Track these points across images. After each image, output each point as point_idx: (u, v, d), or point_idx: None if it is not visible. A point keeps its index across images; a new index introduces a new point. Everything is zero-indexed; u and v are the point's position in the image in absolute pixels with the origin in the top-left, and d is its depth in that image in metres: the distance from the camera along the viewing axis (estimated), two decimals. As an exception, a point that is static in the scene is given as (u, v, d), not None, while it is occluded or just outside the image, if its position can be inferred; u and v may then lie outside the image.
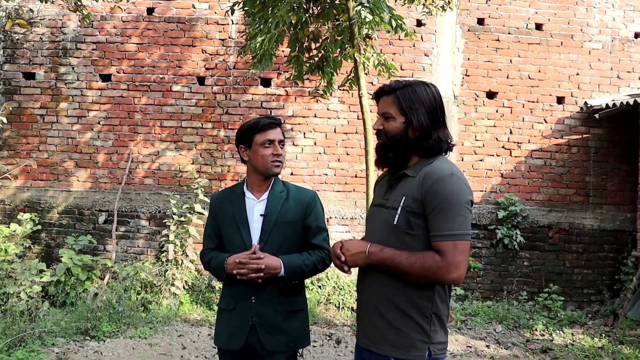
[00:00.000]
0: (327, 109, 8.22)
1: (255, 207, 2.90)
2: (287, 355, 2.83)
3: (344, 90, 7.22)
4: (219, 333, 2.96)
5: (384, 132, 2.45)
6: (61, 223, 8.17)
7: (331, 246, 2.49)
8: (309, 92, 7.44)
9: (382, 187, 2.57)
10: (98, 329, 6.11)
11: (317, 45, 6.37)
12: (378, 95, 2.50)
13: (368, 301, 2.44)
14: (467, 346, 6.29)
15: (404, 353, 2.30)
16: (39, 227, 7.84)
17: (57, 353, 5.44)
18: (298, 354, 2.95)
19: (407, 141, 2.39)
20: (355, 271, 2.49)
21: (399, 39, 8.05)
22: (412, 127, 2.37)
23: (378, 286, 2.38)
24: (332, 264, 3.02)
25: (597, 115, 8.06)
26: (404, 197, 2.33)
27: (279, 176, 3.02)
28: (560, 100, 8.34)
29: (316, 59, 6.47)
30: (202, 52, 8.23)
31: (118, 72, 8.23)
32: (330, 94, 7.22)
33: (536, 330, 6.89)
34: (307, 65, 6.48)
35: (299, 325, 2.89)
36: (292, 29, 5.96)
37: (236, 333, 2.84)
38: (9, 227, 7.52)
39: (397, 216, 2.32)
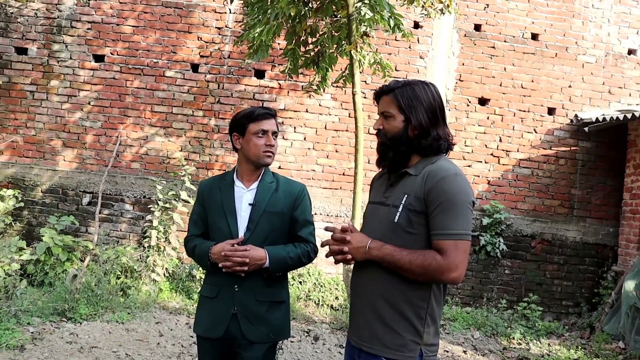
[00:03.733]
0: (319, 105, 8.20)
1: (244, 196, 2.90)
2: (267, 346, 2.82)
3: (337, 87, 7.22)
4: (200, 320, 2.94)
5: (384, 132, 2.45)
6: (44, 202, 8.10)
7: (331, 232, 2.43)
8: (303, 86, 7.43)
9: (381, 185, 2.56)
10: (75, 310, 6.05)
11: (314, 39, 6.36)
12: (378, 96, 2.50)
13: (363, 298, 2.43)
14: (445, 350, 6.31)
15: (396, 353, 2.30)
16: (22, 204, 7.75)
17: (32, 332, 5.38)
18: (277, 346, 2.94)
19: (407, 140, 2.38)
20: (340, 267, 2.47)
21: (395, 40, 8.06)
22: (412, 125, 2.37)
23: (375, 283, 2.37)
24: (315, 258, 3.03)
25: (586, 129, 8.11)
26: (405, 196, 2.33)
27: (269, 167, 3.01)
28: (551, 111, 8.38)
29: (312, 53, 6.46)
30: (198, 40, 8.18)
31: (112, 54, 8.16)
32: (324, 90, 7.20)
33: (513, 338, 6.92)
34: (303, 59, 6.48)
35: (280, 317, 2.88)
36: (290, 21, 5.95)
37: (217, 321, 2.83)
38: (-9, 202, 7.45)
39: (398, 214, 2.32)
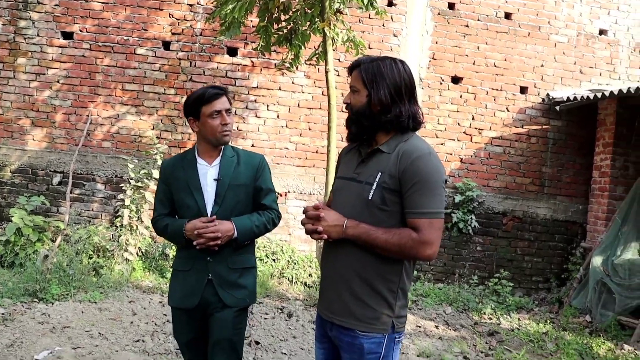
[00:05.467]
0: (292, 83, 8.16)
1: (208, 172, 2.99)
2: (237, 309, 2.94)
3: (310, 64, 7.19)
4: (173, 292, 3.04)
5: (351, 106, 2.48)
6: (13, 182, 7.96)
7: (304, 209, 2.47)
8: (275, 64, 7.39)
9: (351, 160, 2.56)
10: (47, 291, 5.99)
11: (287, 17, 6.31)
12: (350, 70, 2.53)
13: (336, 274, 2.46)
14: (417, 326, 6.39)
15: (369, 326, 2.36)
16: (-10, 184, 7.65)
17: (2, 313, 5.31)
18: (249, 310, 3.04)
19: (370, 114, 2.40)
20: (313, 244, 2.49)
21: (369, 18, 8.03)
22: (373, 100, 2.39)
23: (348, 260, 2.40)
24: (279, 224, 3.12)
25: (557, 108, 8.21)
26: (379, 173, 2.35)
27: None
28: (523, 90, 8.45)
29: (285, 30, 6.40)
30: (169, 17, 8.05)
31: (81, 31, 7.99)
32: (297, 68, 7.16)
33: (484, 313, 7.03)
34: (275, 36, 6.42)
35: (252, 281, 3.04)
36: (262, -2, 5.89)
37: (192, 291, 2.94)
38: (-42, 182, 7.31)
39: (372, 191, 2.35)
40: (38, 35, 7.97)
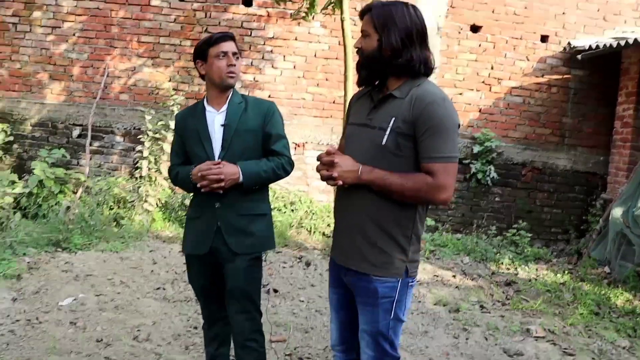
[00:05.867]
0: (309, 33, 8.07)
1: (216, 119, 2.97)
2: (250, 258, 2.92)
3: (326, 14, 7.07)
4: (186, 240, 3.06)
5: (362, 50, 2.45)
6: (34, 135, 8.05)
7: (318, 157, 2.45)
8: (291, 14, 7.28)
9: (363, 106, 2.53)
10: (70, 241, 6.11)
11: (302, -37, 6.19)
12: (361, 15, 2.49)
13: (350, 220, 2.46)
14: (434, 275, 6.42)
15: (383, 271, 2.36)
16: (11, 138, 7.73)
17: (28, 262, 5.43)
18: (262, 257, 3.03)
19: (380, 59, 2.37)
20: (332, 194, 2.49)
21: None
22: (384, 45, 2.36)
23: (363, 206, 2.40)
24: (292, 172, 3.09)
25: (579, 57, 8.02)
26: (393, 118, 2.32)
27: (237, 88, 3.05)
28: (544, 38, 8.26)
29: (300, -22, 6.30)
30: (184, -34, 7.97)
31: (95, -18, 7.95)
32: (313, 17, 7.08)
33: (502, 263, 7.04)
34: (290, -16, 6.32)
35: (262, 228, 2.99)
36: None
37: (202, 238, 2.94)
38: (-21, 137, 7.42)
39: (385, 137, 2.32)
40: (53, -12, 7.94)
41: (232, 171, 2.82)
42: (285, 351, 4.10)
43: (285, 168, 3.00)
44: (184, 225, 6.82)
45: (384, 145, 2.33)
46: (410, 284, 2.44)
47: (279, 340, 4.26)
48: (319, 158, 2.44)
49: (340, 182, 2.36)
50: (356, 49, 2.49)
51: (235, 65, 2.91)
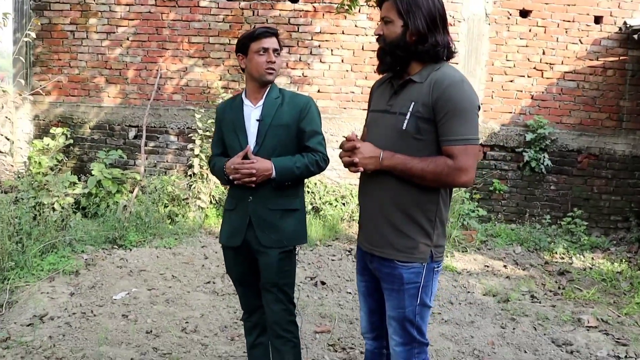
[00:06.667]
0: (355, 26, 8.07)
1: (252, 113, 3.03)
2: (281, 251, 2.97)
3: (371, 6, 7.05)
4: (223, 231, 3.15)
5: (384, 37, 2.46)
6: (93, 138, 8.37)
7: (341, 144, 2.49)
8: (336, 7, 7.31)
9: (383, 93, 2.57)
10: (125, 238, 6.36)
11: (343, -43, 6.21)
12: (381, 2, 2.50)
13: (374, 206, 2.49)
14: (485, 265, 6.35)
15: (408, 256, 2.39)
16: (72, 141, 8.07)
17: (85, 259, 5.68)
18: (295, 252, 3.08)
19: (405, 45, 2.39)
20: (351, 176, 2.51)
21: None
22: (409, 31, 2.37)
23: (386, 191, 2.43)
24: (327, 168, 3.11)
25: (636, 36, 7.73)
26: (412, 103, 2.35)
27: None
28: (597, 19, 7.99)
29: (341, -28, 6.32)
30: (230, -33, 8.11)
31: (146, -13, 8.19)
32: (359, 10, 7.11)
33: (556, 253, 6.89)
34: (332, -22, 6.35)
35: (293, 224, 3.02)
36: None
37: (236, 231, 3.02)
38: (43, 141, 7.76)
39: (406, 121, 2.35)
40: (106, -5, 8.22)
41: (265, 167, 2.87)
42: (329, 341, 4.16)
43: (319, 164, 3.03)
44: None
45: (405, 129, 2.36)
46: (436, 268, 2.45)
47: (324, 331, 4.32)
48: (341, 145, 2.48)
49: (362, 168, 2.40)
50: (376, 36, 2.51)
51: (274, 62, 2.96)
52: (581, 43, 8.02)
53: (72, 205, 6.79)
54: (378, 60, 2.52)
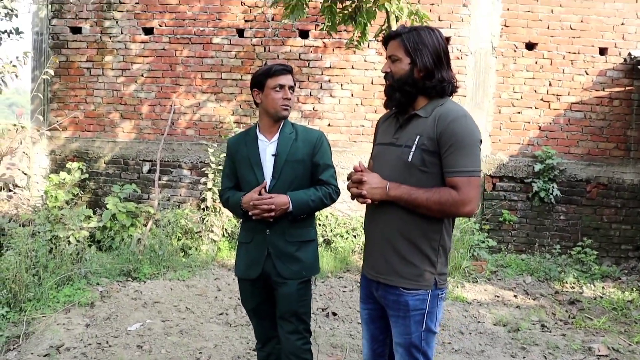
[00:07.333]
0: (365, 61, 8.25)
1: (267, 148, 3.13)
2: (299, 282, 3.07)
3: (379, 41, 7.23)
4: (239, 264, 3.23)
5: (391, 74, 2.58)
6: (107, 172, 8.53)
7: (349, 175, 2.60)
8: (345, 43, 7.48)
9: (389, 127, 2.68)
10: (140, 271, 6.46)
11: (351, -5, 6.39)
12: (386, 41, 2.64)
13: (380, 235, 2.58)
14: (495, 295, 6.38)
15: (413, 283, 2.49)
16: (87, 175, 8.26)
17: (100, 291, 5.78)
18: (312, 282, 3.18)
19: (413, 82, 2.51)
20: (362, 208, 2.61)
21: (438, -10, 7.99)
22: (417, 67, 2.50)
23: (391, 221, 2.53)
24: (338, 199, 3.21)
25: (640, 67, 7.86)
26: (418, 136, 2.46)
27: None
28: (602, 51, 8.12)
29: (349, 9, 6.49)
30: (241, 5, 8.33)
31: (160, 25, 8.42)
32: (368, 46, 7.26)
33: (566, 282, 6.90)
34: (340, 15, 6.52)
35: (310, 255, 3.14)
36: (325, -21, 6.01)
37: (253, 263, 3.11)
38: (59, 175, 7.95)
39: (411, 154, 2.46)
40: (122, 33, 8.47)
41: (282, 201, 2.97)
42: (340, 371, 4.21)
43: (332, 197, 3.16)
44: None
45: (410, 162, 2.47)
46: (440, 295, 2.53)
47: (335, 361, 4.37)
48: (349, 176, 2.59)
49: (369, 200, 2.50)
50: (384, 74, 2.63)
51: (290, 98, 3.09)
52: (587, 74, 8.14)
53: (87, 238, 6.91)
54: (386, 97, 2.63)
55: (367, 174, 2.54)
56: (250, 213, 3.00)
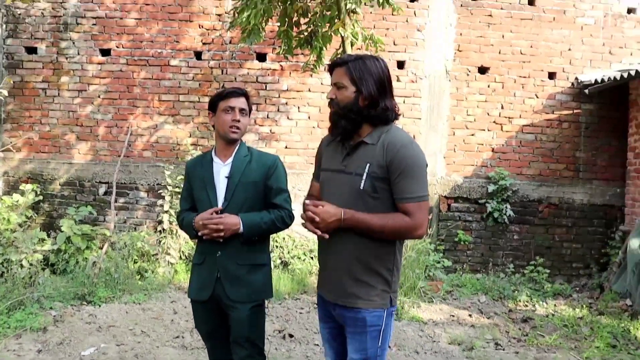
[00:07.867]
0: (321, 84, 8.35)
1: (222, 170, 3.18)
2: (251, 306, 3.08)
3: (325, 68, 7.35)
4: (191, 285, 3.25)
5: (337, 101, 2.65)
6: (63, 194, 8.42)
7: (303, 204, 2.64)
8: (302, 66, 7.58)
9: (335, 153, 2.74)
10: (94, 294, 6.36)
11: (307, 20, 6.50)
12: (332, 67, 2.71)
13: (336, 260, 2.66)
14: (450, 315, 6.48)
15: (371, 303, 2.58)
16: (41, 197, 8.11)
17: (54, 315, 5.68)
18: (264, 305, 3.20)
19: (358, 109, 2.59)
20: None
21: (392, 14, 8.11)
22: (362, 96, 2.58)
23: (347, 246, 2.60)
24: (294, 223, 3.25)
25: (587, 91, 8.13)
26: (368, 164, 2.54)
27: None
28: (551, 75, 8.40)
29: (305, 33, 6.60)
30: (199, 27, 8.37)
31: (117, 47, 8.39)
32: (325, 69, 7.34)
33: (520, 301, 7.05)
34: (297, 40, 6.62)
35: (261, 279, 3.15)
36: (281, 4, 6.10)
37: (204, 285, 3.13)
38: (12, 197, 7.79)
39: (362, 182, 2.54)
40: (78, 54, 8.41)
41: (233, 222, 3.00)
42: (295, 394, 4.23)
43: (284, 221, 3.17)
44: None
45: (362, 189, 2.54)
46: (392, 312, 2.65)
47: (289, 384, 4.38)
48: (304, 208, 2.63)
49: (327, 236, 2.57)
50: (329, 100, 2.69)
51: (239, 120, 3.13)
52: (537, 97, 8.40)
53: (41, 261, 6.80)
54: (331, 124, 2.70)
55: (320, 209, 2.57)
56: (200, 233, 3.04)
